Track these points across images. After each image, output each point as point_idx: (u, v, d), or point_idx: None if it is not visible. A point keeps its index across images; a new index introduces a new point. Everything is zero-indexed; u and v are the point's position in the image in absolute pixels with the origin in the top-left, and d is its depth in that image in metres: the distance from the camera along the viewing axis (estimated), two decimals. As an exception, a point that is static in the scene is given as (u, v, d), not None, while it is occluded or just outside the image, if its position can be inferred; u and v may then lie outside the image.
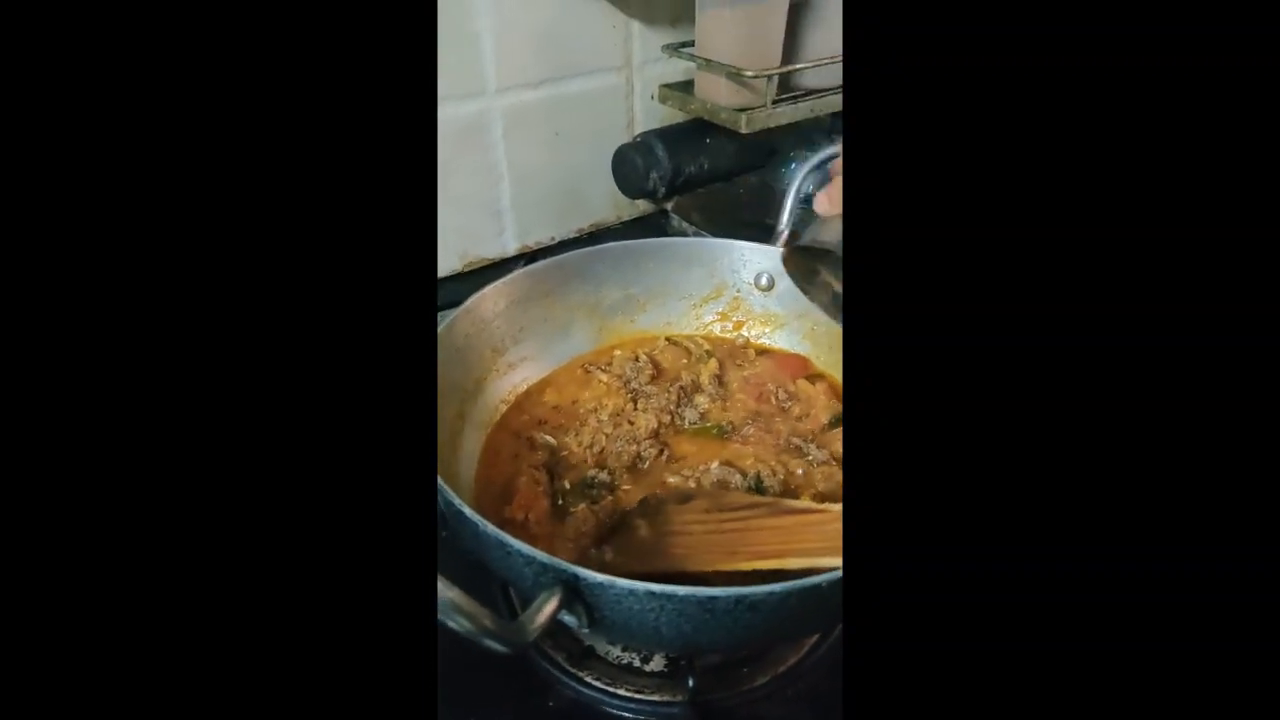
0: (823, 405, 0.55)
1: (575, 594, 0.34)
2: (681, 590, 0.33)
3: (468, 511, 0.36)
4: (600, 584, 0.33)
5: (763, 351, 0.62)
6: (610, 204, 0.96)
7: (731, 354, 0.61)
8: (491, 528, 0.35)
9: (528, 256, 0.82)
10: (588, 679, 0.48)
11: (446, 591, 0.28)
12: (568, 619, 0.35)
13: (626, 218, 0.98)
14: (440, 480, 0.38)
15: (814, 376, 0.58)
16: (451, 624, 0.28)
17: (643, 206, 0.98)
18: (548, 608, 0.33)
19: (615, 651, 0.49)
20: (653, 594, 0.33)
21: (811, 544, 0.39)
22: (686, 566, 0.42)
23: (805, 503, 0.45)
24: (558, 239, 0.93)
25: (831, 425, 0.53)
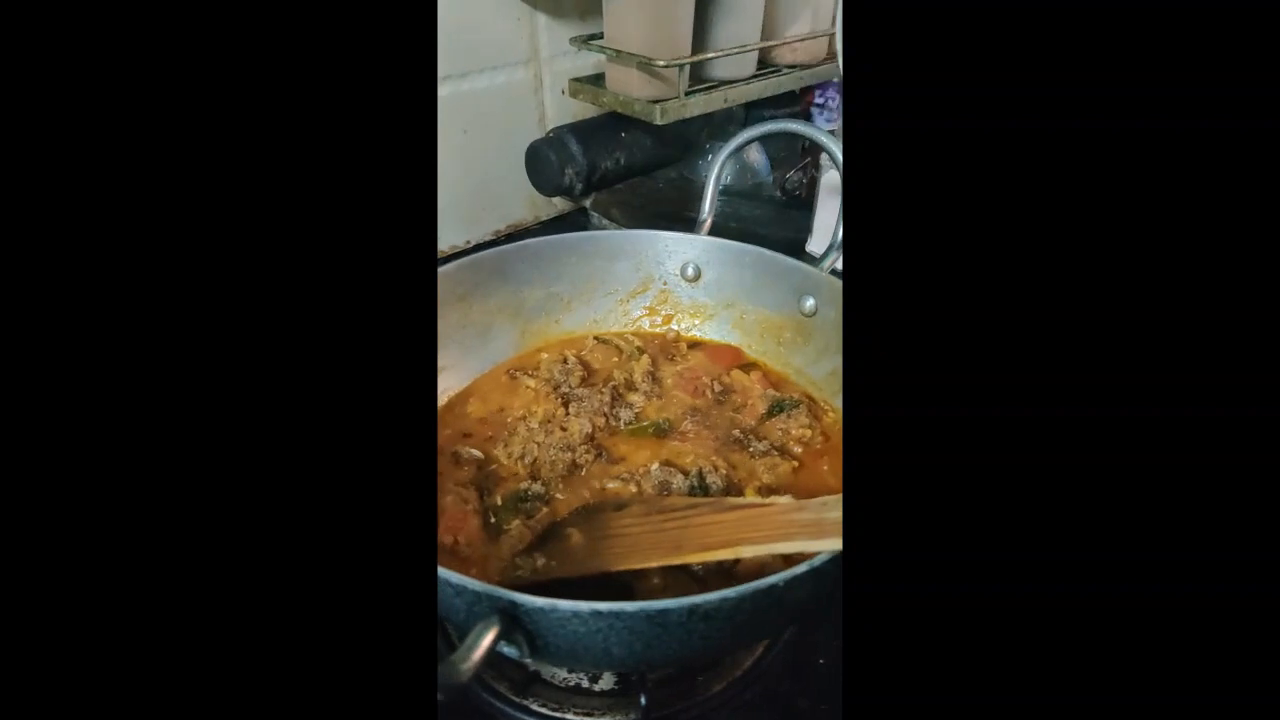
0: (759, 395, 0.53)
1: (514, 622, 0.31)
2: (630, 606, 0.30)
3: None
4: (540, 609, 0.30)
5: (694, 344, 0.60)
6: (527, 204, 0.92)
7: (663, 348, 0.59)
8: (415, 557, 0.32)
9: (443, 261, 0.77)
10: (533, 706, 0.44)
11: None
12: (508, 650, 0.32)
13: (545, 217, 0.95)
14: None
15: (747, 366, 0.57)
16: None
17: (560, 205, 0.95)
18: (484, 641, 0.29)
19: (562, 674, 0.46)
20: (599, 614, 0.30)
21: (760, 534, 0.37)
22: (628, 564, 0.39)
23: (749, 499, 0.43)
24: (473, 242, 0.90)
25: (769, 414, 0.51)
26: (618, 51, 0.76)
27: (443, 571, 0.31)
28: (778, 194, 0.88)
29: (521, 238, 0.89)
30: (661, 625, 0.31)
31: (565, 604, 0.30)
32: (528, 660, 0.33)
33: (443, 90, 0.79)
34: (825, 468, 0.48)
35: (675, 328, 0.61)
